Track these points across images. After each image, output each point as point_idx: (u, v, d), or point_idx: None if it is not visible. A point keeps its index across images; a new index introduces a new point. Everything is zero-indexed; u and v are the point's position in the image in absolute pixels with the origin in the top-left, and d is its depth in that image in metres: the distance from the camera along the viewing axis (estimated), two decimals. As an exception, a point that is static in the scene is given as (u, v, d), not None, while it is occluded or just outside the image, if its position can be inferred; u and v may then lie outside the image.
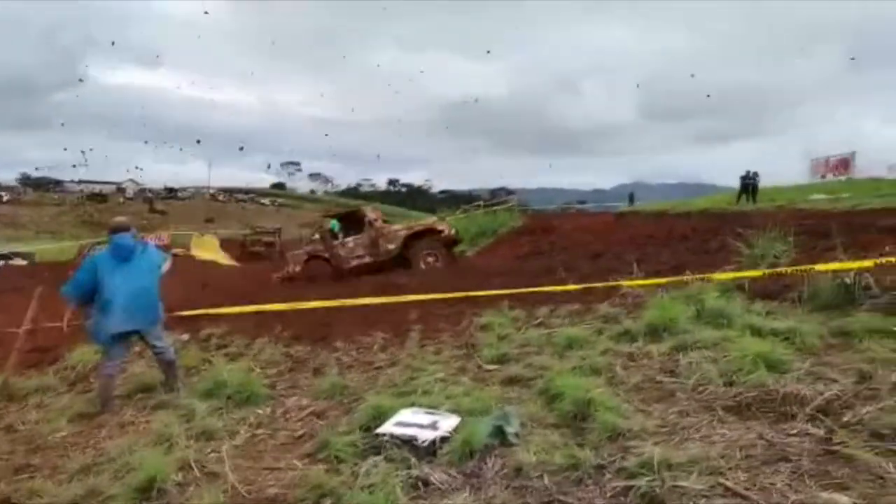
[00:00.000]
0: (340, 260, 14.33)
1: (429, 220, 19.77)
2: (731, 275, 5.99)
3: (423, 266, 13.75)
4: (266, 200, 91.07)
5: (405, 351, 5.81)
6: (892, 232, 7.15)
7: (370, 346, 6.13)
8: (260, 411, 4.51)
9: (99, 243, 22.54)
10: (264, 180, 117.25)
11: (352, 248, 14.56)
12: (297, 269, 14.47)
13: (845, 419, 2.96)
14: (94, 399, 5.13)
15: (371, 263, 14.20)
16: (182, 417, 4.33)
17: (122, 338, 5.09)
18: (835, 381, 3.47)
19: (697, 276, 5.82)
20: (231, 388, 4.76)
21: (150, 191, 77.11)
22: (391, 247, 14.37)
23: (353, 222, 15.34)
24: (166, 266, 5.46)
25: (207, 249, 26.43)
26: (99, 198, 72.84)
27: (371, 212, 15.69)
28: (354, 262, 14.29)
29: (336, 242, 14.72)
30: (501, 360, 5.04)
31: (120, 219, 5.49)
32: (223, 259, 25.48)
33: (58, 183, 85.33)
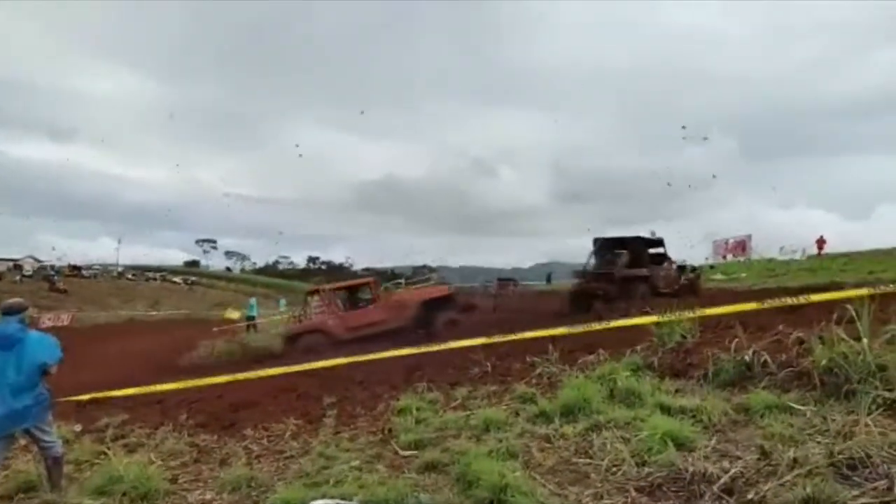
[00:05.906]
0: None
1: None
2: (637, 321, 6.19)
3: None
4: (178, 279, 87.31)
5: (318, 438, 5.59)
6: (786, 312, 7.63)
7: (282, 434, 5.86)
8: (157, 509, 4.18)
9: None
10: (177, 258, 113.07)
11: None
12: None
13: (749, 497, 3.04)
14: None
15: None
16: (68, 519, 3.95)
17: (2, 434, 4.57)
18: (739, 457, 3.59)
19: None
20: (127, 483, 4.40)
21: (52, 268, 72.36)
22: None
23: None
24: (53, 368, 4.62)
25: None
26: (-8, 274, 67.51)
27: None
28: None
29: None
30: (418, 445, 4.92)
31: (12, 300, 5.07)
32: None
33: (-55, 259, 78.97)
